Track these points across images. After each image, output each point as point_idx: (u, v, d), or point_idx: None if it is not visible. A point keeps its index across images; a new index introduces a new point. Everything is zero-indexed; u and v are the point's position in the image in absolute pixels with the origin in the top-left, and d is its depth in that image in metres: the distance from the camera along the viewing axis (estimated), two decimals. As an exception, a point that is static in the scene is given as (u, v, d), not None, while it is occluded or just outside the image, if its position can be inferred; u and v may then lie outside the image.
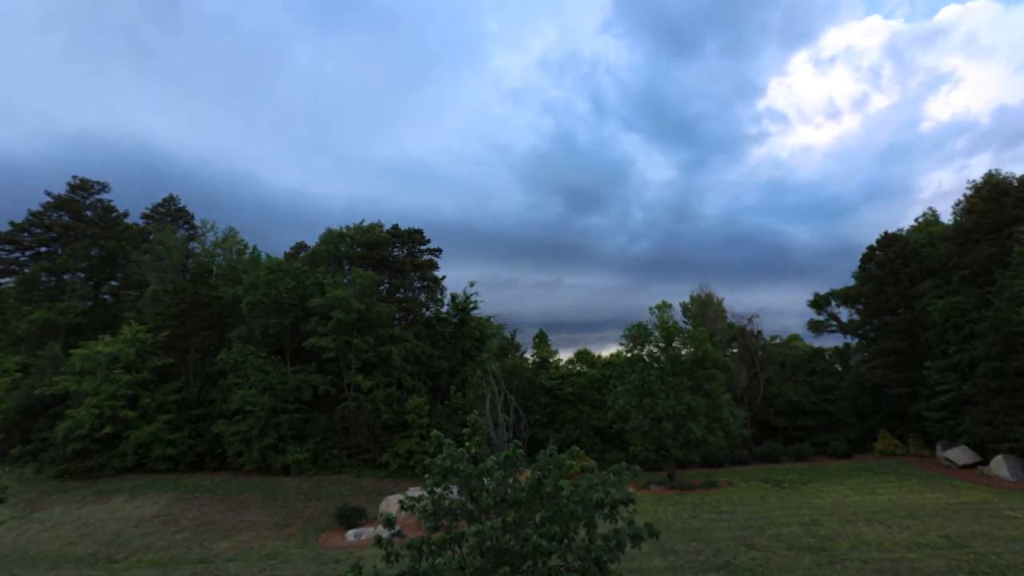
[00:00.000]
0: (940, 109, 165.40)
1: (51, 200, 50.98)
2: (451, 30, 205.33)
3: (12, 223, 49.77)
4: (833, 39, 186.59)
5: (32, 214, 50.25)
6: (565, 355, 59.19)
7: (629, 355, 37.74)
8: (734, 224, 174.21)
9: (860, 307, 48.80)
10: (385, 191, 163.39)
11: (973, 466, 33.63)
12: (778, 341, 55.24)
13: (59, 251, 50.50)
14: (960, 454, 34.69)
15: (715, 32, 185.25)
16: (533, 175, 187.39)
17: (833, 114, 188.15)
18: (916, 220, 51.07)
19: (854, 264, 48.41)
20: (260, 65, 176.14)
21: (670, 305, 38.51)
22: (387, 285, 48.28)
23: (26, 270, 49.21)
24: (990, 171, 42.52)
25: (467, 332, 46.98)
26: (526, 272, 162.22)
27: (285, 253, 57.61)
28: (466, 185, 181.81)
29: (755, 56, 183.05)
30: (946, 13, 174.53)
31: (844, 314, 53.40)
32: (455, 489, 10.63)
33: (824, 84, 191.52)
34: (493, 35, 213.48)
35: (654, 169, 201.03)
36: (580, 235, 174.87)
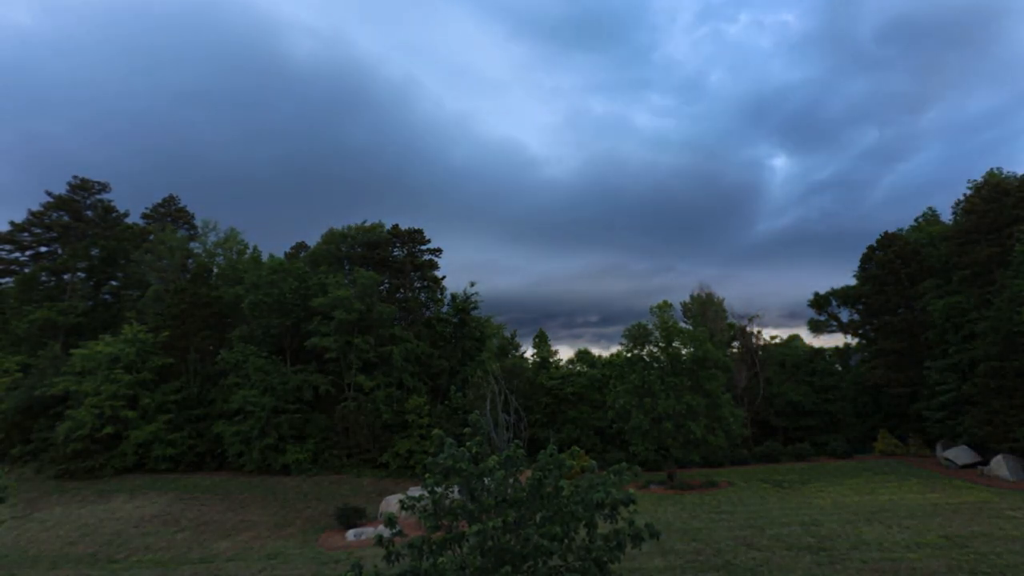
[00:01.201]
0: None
1: (51, 200, 51.03)
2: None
3: (12, 223, 49.86)
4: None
5: (32, 214, 50.30)
6: (565, 354, 59.18)
7: (629, 355, 37.74)
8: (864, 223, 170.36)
9: (860, 307, 48.80)
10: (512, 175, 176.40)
11: (973, 466, 33.63)
12: (778, 341, 55.28)
13: (59, 251, 50.54)
14: (960, 454, 34.70)
15: (900, 48, 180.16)
16: (670, 165, 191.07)
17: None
18: (916, 220, 51.02)
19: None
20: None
21: (670, 305, 38.50)
22: (387, 285, 48.33)
23: (26, 270, 49.26)
24: (991, 170, 42.51)
25: (467, 332, 47.00)
26: (643, 259, 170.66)
27: (286, 253, 57.65)
28: (606, 167, 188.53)
29: (929, 71, 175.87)
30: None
31: (844, 314, 53.44)
32: (456, 489, 10.64)
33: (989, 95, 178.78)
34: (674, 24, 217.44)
35: (789, 171, 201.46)
36: (700, 223, 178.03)
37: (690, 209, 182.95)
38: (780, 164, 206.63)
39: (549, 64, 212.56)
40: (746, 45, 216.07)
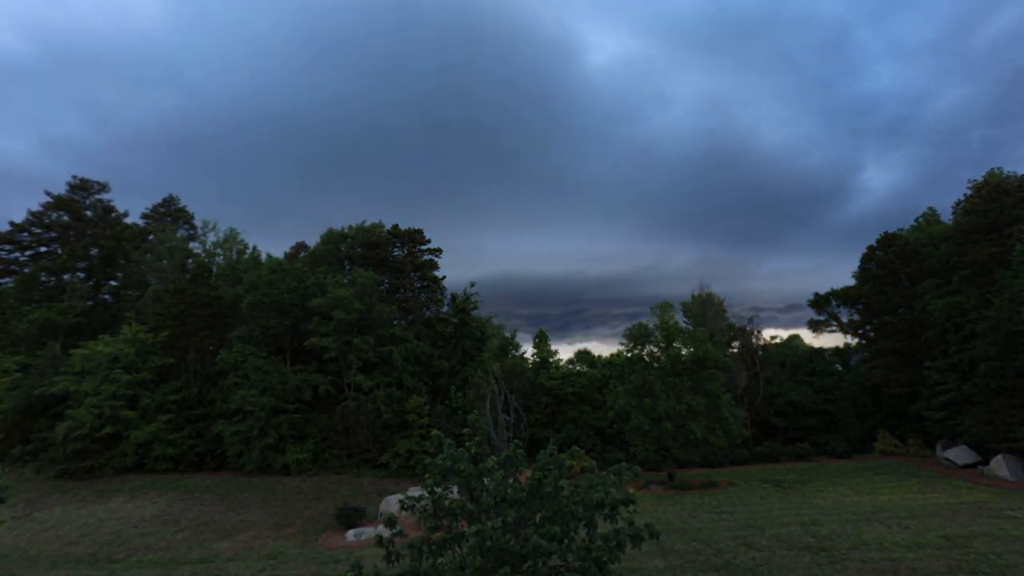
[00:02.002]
0: None
1: (51, 200, 51.00)
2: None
3: (12, 223, 49.83)
4: None
5: (32, 214, 50.28)
6: (565, 355, 59.20)
7: (629, 355, 37.73)
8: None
9: (860, 307, 48.81)
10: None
11: (973, 466, 33.63)
12: (778, 341, 55.29)
13: (59, 251, 50.51)
14: (960, 454, 34.69)
15: (1007, 55, 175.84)
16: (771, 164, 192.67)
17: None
18: (916, 220, 51.04)
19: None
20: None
21: (671, 305, 38.55)
22: (387, 285, 48.33)
23: (26, 270, 49.22)
24: (991, 170, 42.52)
25: (467, 332, 47.01)
26: (738, 252, 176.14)
27: (285, 253, 57.69)
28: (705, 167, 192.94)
29: None
30: None
31: (844, 314, 53.47)
32: (455, 489, 10.64)
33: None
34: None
35: (890, 173, 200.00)
36: (797, 220, 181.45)
37: (789, 206, 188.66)
38: (882, 165, 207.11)
39: (681, 65, 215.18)
40: (865, 50, 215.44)
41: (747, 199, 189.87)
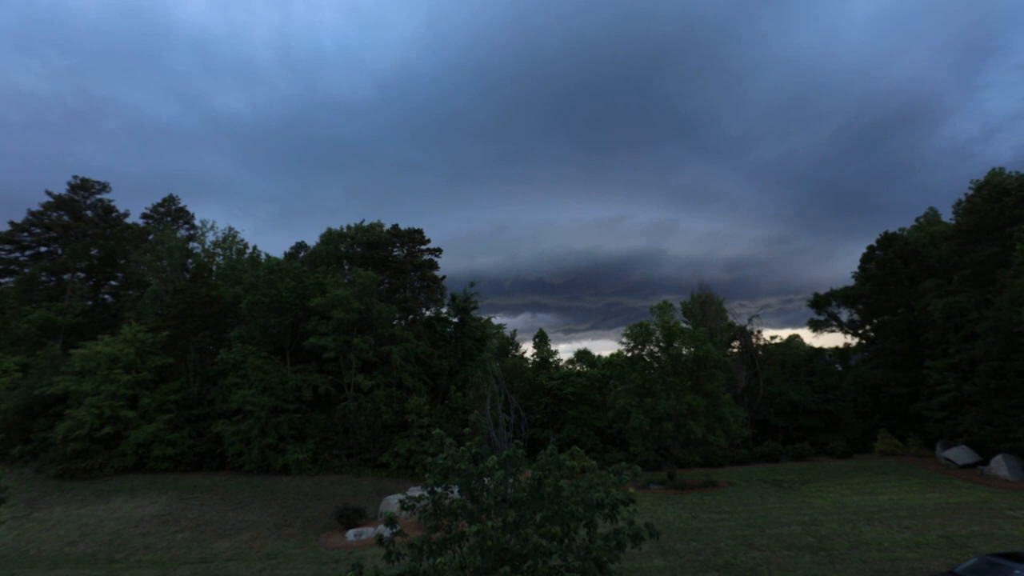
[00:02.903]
0: None
1: (51, 200, 50.98)
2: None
3: (12, 223, 49.79)
4: None
5: (32, 214, 50.25)
6: (565, 355, 59.18)
7: (630, 355, 37.72)
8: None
9: (860, 307, 48.80)
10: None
11: (973, 466, 33.62)
12: (778, 341, 55.33)
13: (59, 251, 50.51)
14: (960, 454, 34.68)
15: None
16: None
17: None
18: (917, 219, 51.00)
19: None
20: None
21: (671, 305, 38.51)
22: (387, 285, 48.30)
23: (26, 270, 49.21)
24: (993, 169, 42.48)
25: (467, 332, 47.02)
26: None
27: (285, 253, 57.66)
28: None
29: None
30: None
31: (844, 314, 53.47)
32: (455, 489, 10.64)
33: None
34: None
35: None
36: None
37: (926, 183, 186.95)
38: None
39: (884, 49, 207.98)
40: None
41: (886, 175, 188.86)
